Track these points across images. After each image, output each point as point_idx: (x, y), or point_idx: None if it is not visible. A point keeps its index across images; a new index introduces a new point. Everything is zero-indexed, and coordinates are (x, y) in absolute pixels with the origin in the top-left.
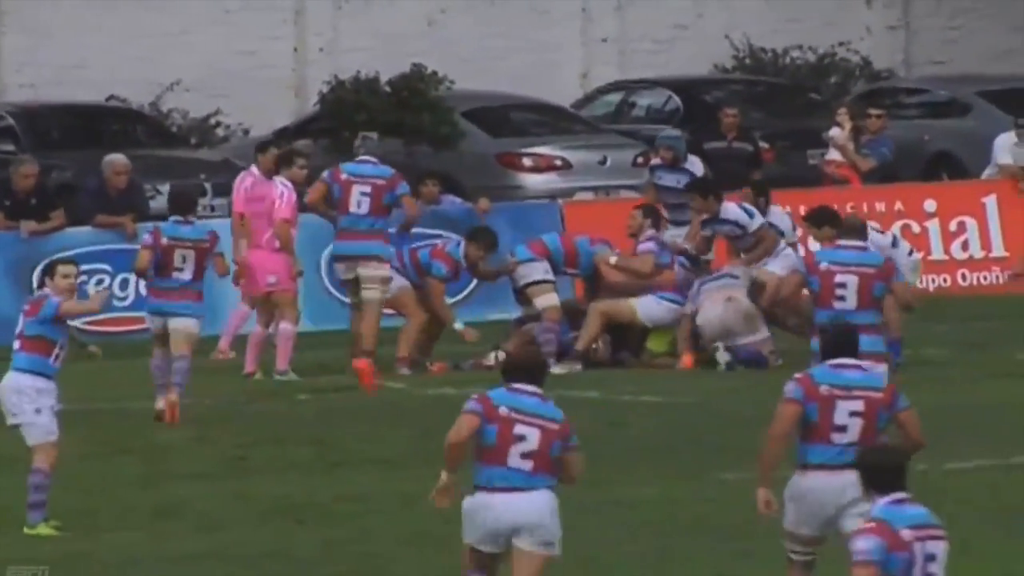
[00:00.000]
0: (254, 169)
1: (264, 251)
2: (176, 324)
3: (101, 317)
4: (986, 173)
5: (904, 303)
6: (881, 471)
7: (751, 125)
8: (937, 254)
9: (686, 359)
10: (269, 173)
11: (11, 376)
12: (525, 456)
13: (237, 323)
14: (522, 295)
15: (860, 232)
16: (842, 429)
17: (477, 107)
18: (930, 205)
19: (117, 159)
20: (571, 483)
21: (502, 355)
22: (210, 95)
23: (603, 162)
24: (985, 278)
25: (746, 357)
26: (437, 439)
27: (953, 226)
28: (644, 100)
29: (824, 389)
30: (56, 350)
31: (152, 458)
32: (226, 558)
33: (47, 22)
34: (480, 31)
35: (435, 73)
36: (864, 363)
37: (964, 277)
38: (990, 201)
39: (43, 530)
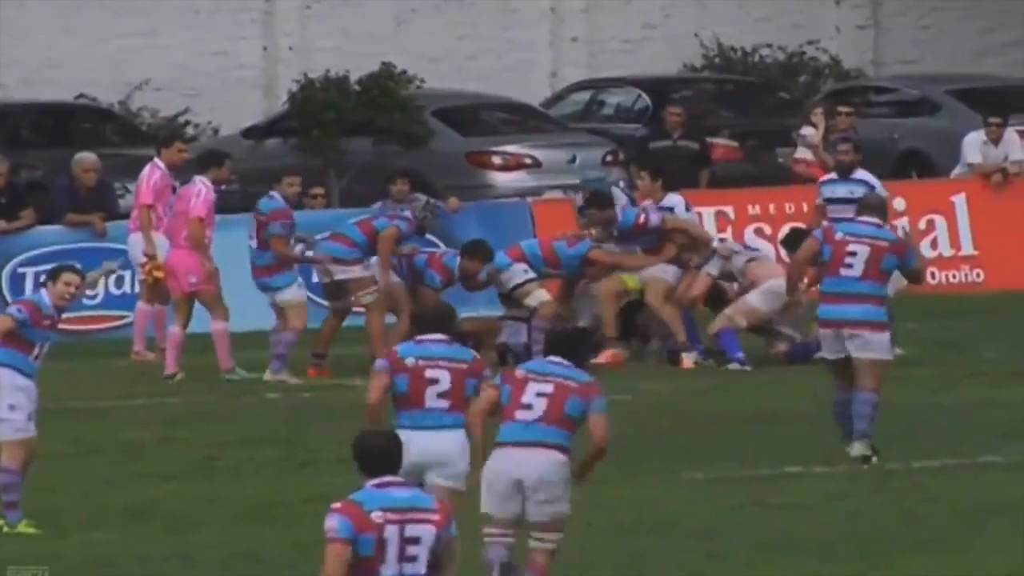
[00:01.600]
0: (159, 162)
1: (184, 250)
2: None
3: (72, 315)
4: (956, 172)
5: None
6: (369, 455)
7: (721, 124)
8: None
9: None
10: (173, 166)
11: None
12: (441, 396)
13: (143, 322)
14: (509, 299)
15: (878, 209)
16: (527, 407)
17: (447, 106)
18: (899, 203)
19: (87, 157)
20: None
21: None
22: (180, 94)
23: (572, 161)
24: (955, 276)
25: (802, 351)
26: None
27: (923, 224)
28: (613, 99)
29: (519, 374)
30: (36, 350)
31: (122, 458)
32: (196, 560)
33: (16, 22)
34: (449, 31)
35: (404, 72)
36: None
37: (933, 276)
38: (959, 200)
39: (25, 528)
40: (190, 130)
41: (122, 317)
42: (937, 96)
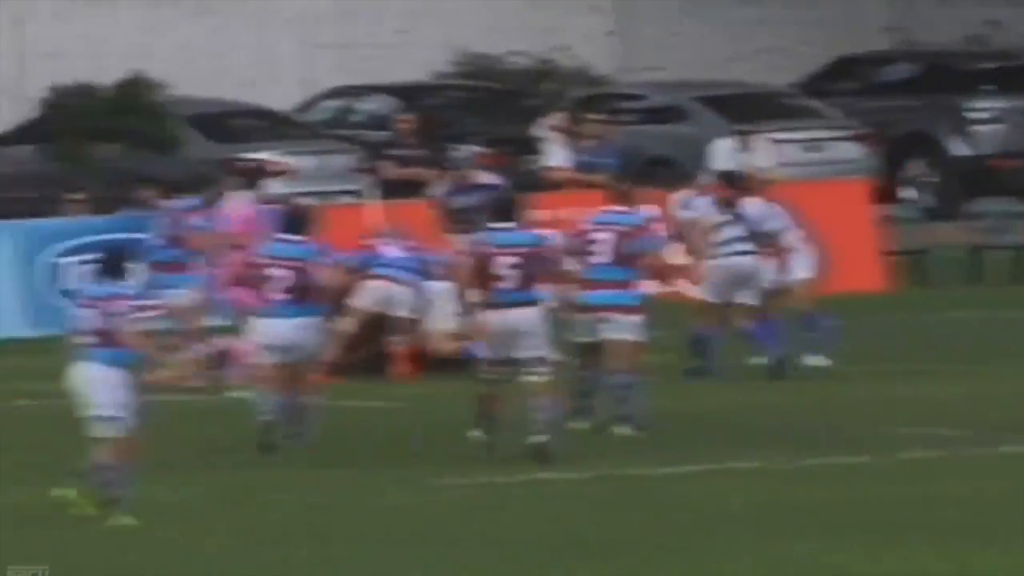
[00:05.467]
0: None
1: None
2: None
3: None
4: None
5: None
6: None
7: (469, 131)
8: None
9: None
10: None
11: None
12: (287, 291)
13: None
14: None
15: (626, 197)
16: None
17: (199, 112)
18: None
19: None
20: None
21: None
22: None
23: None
24: None
25: None
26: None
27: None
28: (366, 106)
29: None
30: None
31: None
32: None
33: None
34: (203, 37)
35: (155, 79)
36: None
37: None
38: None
39: None
40: None
41: None
42: (684, 103)
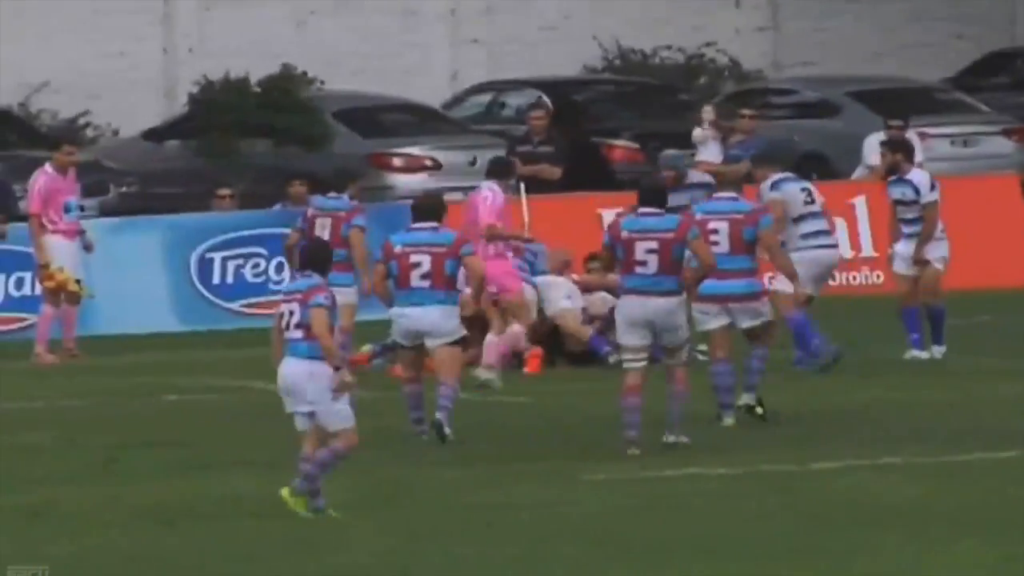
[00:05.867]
0: (47, 167)
1: (490, 259)
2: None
3: None
4: (856, 174)
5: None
6: None
7: (621, 126)
8: None
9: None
10: (63, 169)
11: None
12: (424, 277)
13: (46, 326)
14: None
15: (734, 185)
16: (643, 263)
17: (348, 108)
18: None
19: None
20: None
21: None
22: (79, 96)
23: (473, 163)
24: (855, 278)
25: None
26: None
27: None
28: (514, 100)
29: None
30: None
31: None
32: (94, 562)
33: None
34: (350, 32)
35: (305, 74)
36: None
37: (834, 277)
38: (860, 202)
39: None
40: (90, 132)
41: (23, 319)
42: (837, 98)
